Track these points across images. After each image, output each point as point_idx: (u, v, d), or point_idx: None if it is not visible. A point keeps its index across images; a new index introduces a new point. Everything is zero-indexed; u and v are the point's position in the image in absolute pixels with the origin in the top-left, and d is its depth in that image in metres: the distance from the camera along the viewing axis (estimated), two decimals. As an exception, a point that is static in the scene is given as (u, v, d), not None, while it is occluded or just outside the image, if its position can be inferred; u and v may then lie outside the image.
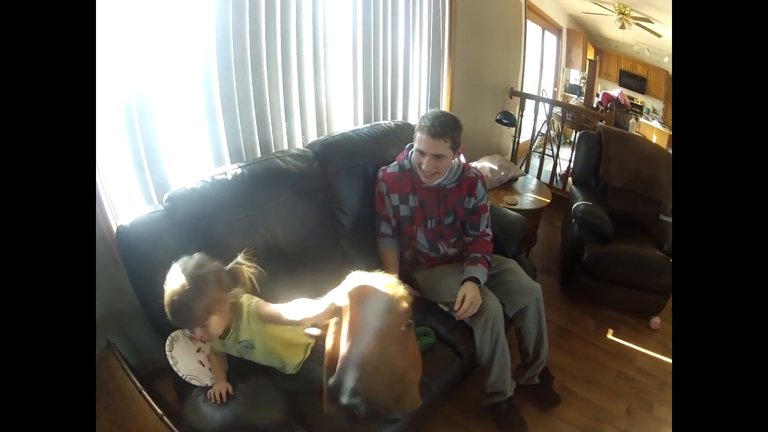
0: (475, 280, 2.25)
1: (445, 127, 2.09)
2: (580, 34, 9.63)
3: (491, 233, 2.49)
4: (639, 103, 10.94)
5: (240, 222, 2.01)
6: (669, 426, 3.07)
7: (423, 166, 2.15)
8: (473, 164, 2.94)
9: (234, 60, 2.22)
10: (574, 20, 9.28)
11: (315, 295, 1.59)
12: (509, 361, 2.30)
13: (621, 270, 3.46)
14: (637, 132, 8.96)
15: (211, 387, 1.70)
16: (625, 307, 3.75)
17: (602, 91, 8.86)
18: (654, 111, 11.10)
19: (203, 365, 1.80)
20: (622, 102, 8.47)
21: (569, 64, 9.85)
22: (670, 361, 3.63)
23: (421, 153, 2.14)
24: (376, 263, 2.33)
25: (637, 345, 3.60)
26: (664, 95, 11.21)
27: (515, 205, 3.44)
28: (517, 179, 3.83)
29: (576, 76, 10.09)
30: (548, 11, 7.82)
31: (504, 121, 3.93)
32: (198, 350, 1.82)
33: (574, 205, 3.50)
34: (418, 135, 2.13)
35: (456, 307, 2.18)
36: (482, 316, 2.17)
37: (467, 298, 2.17)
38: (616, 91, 8.88)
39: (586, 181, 3.94)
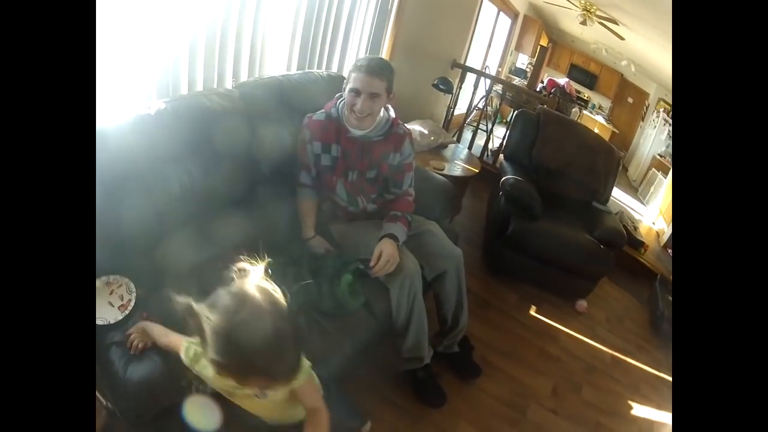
0: (393, 238, 2.31)
1: (382, 67, 2.19)
2: (537, 22, 10.04)
3: (414, 194, 2.60)
4: (585, 98, 11.54)
5: (159, 160, 2.02)
6: (599, 411, 3.44)
7: (357, 106, 2.21)
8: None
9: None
10: (534, 8, 9.72)
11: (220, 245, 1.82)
12: (426, 326, 2.40)
13: (548, 249, 3.82)
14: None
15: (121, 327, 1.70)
16: (550, 287, 4.15)
17: (548, 78, 9.26)
18: (600, 107, 11.71)
19: (112, 306, 1.81)
20: (568, 91, 9.02)
21: (519, 48, 10.28)
22: (597, 345, 4.09)
23: (356, 93, 2.20)
24: (291, 212, 2.50)
25: (561, 325, 3.95)
26: (613, 95, 11.91)
27: (442, 170, 3.70)
28: (446, 146, 4.09)
29: (524, 61, 10.50)
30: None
31: (441, 86, 4.14)
32: (111, 293, 1.83)
33: (504, 179, 3.88)
34: (353, 75, 2.19)
35: (372, 263, 2.22)
36: (399, 276, 2.24)
37: (384, 254, 2.22)
38: (563, 79, 9.47)
39: (518, 158, 4.37)
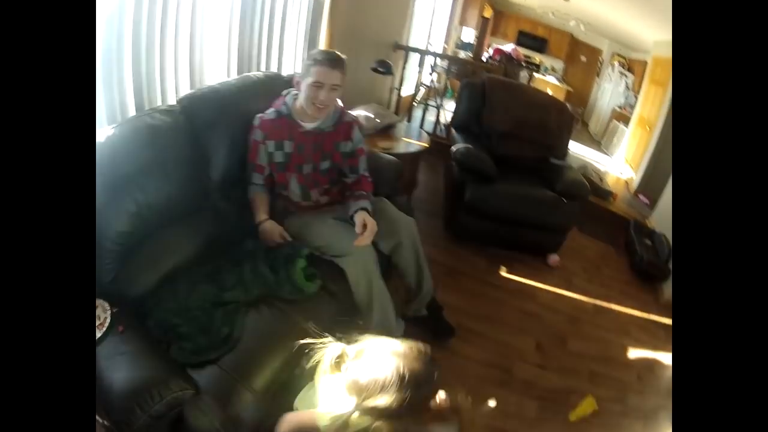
0: (367, 211, 2.46)
1: (340, 59, 2.35)
2: None
3: (369, 175, 2.73)
4: (537, 62, 11.72)
5: (114, 182, 2.05)
6: (590, 360, 3.54)
7: (321, 98, 2.32)
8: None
9: (116, 20, 2.27)
10: None
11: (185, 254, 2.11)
12: (390, 301, 2.48)
13: (509, 209, 3.95)
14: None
15: None
16: (518, 246, 4.28)
17: (494, 46, 9.37)
18: (553, 69, 11.90)
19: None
20: (514, 57, 9.23)
21: (463, 22, 10.36)
22: (576, 296, 4.21)
23: (319, 85, 2.30)
24: (248, 215, 2.56)
25: (536, 281, 4.09)
26: (565, 56, 12.11)
27: (390, 149, 3.74)
28: (394, 126, 4.11)
29: (470, 34, 10.58)
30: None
31: (380, 69, 4.20)
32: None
33: (454, 148, 4.00)
34: (314, 69, 2.29)
35: (359, 231, 2.36)
36: (351, 257, 2.35)
37: (368, 224, 2.37)
38: (508, 46, 9.57)
39: (469, 127, 4.51)
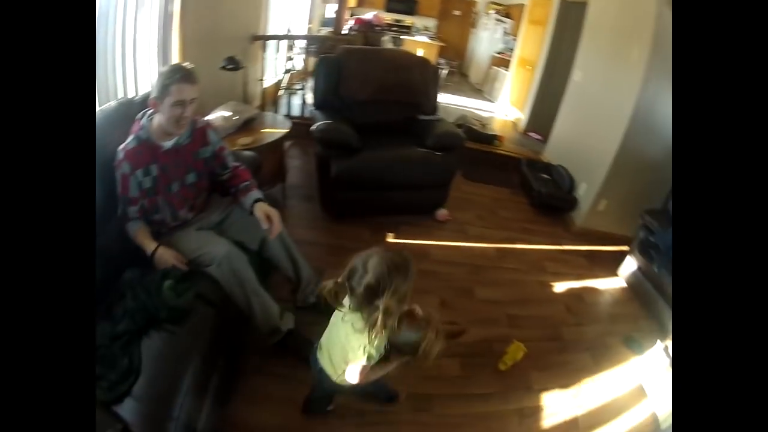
0: (262, 200, 2.60)
1: (192, 71, 2.32)
2: None
3: (240, 164, 2.79)
4: (408, 24, 11.77)
5: None
6: (505, 305, 3.59)
7: (186, 115, 2.33)
8: (207, 117, 3.36)
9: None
10: None
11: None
12: (269, 299, 2.53)
13: (381, 175, 3.95)
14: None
15: None
16: (401, 209, 4.31)
17: (354, 17, 9.36)
18: (426, 28, 11.99)
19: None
20: (375, 23, 9.16)
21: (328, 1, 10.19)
22: (474, 245, 4.25)
23: (181, 104, 2.28)
24: (127, 248, 2.49)
25: (427, 240, 4.11)
26: (437, 13, 12.21)
27: (249, 144, 3.63)
28: (254, 119, 3.98)
29: (333, 10, 10.49)
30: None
31: (228, 66, 4.05)
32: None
33: (313, 127, 3.95)
34: (173, 88, 2.25)
35: (265, 226, 2.51)
36: (216, 265, 2.37)
37: (271, 214, 2.50)
38: (369, 14, 9.48)
39: (329, 103, 4.45)
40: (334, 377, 2.06)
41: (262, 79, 5.56)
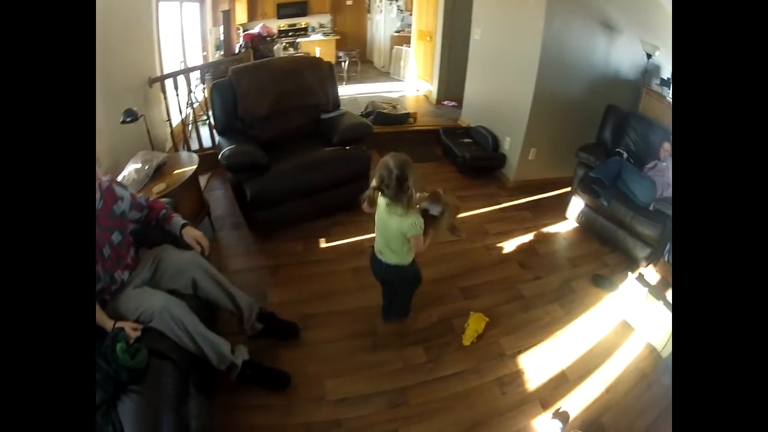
0: (186, 223, 2.69)
1: None
2: None
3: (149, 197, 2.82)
4: (303, 26, 11.64)
5: None
6: (454, 279, 3.54)
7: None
8: (121, 174, 3.47)
9: None
10: None
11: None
12: (217, 336, 2.52)
13: (297, 183, 3.87)
14: (300, 52, 9.47)
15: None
16: (327, 211, 4.24)
17: (243, 34, 9.16)
18: (321, 26, 11.87)
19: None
20: (265, 34, 9.03)
21: (216, 23, 9.90)
22: None
23: None
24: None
25: (362, 235, 3.99)
26: (329, 7, 12.13)
27: (164, 190, 3.47)
28: (164, 164, 3.78)
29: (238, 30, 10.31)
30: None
31: (128, 119, 3.83)
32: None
33: (220, 156, 3.81)
34: None
35: (199, 250, 2.65)
36: (155, 319, 2.36)
37: (197, 237, 2.64)
38: (257, 27, 9.30)
39: (231, 127, 4.31)
40: (404, 261, 2.83)
41: (168, 120, 5.34)
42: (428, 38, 8.03)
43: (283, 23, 11.46)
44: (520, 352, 2.96)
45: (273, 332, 2.98)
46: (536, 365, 2.88)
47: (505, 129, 5.25)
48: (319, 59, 4.82)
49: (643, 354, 3.01)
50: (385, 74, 10.84)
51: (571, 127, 5.06)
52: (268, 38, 9.45)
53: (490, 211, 4.60)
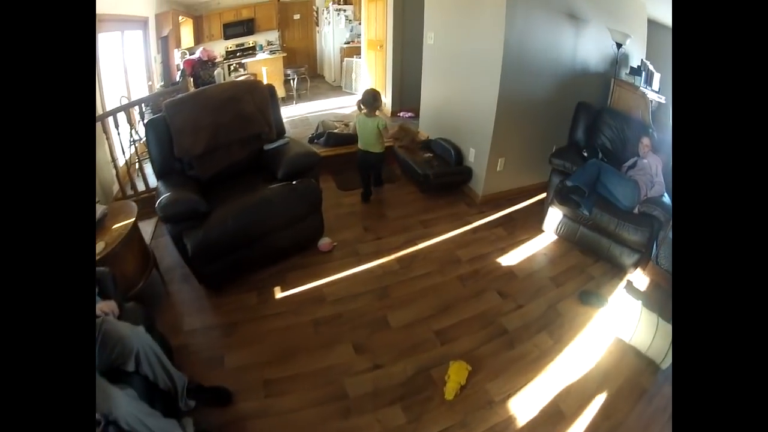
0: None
1: None
2: (168, 13, 9.18)
3: None
4: (251, 45, 11.27)
5: None
6: (428, 322, 3.16)
7: None
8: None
9: None
10: (166, 1, 9.02)
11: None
12: (160, 417, 2.27)
13: (243, 229, 3.37)
14: (247, 73, 8.99)
15: None
16: (279, 256, 3.78)
17: (183, 61, 8.57)
18: (269, 43, 11.51)
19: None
20: (205, 59, 8.46)
21: (161, 49, 9.42)
22: (372, 264, 3.75)
23: None
24: None
25: (318, 280, 3.59)
26: (277, 24, 11.79)
27: (103, 249, 3.07)
28: (104, 217, 3.31)
29: (180, 56, 9.74)
30: (127, 9, 7.25)
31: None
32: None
33: (156, 205, 3.32)
34: None
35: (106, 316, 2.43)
36: (115, 411, 2.09)
37: (102, 308, 2.40)
38: (197, 52, 8.76)
39: (169, 167, 3.81)
40: (381, 149, 4.54)
41: (113, 161, 4.89)
42: (379, 47, 7.73)
43: (231, 44, 11.13)
44: (509, 396, 2.66)
45: (209, 402, 2.71)
46: (529, 407, 2.61)
47: (469, 139, 4.89)
48: (258, 83, 4.40)
49: (641, 369, 2.85)
50: (336, 88, 10.56)
51: (541, 131, 4.75)
52: (210, 63, 8.91)
53: (460, 234, 4.25)
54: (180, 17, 9.64)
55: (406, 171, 5.19)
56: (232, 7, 11.32)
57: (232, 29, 11.39)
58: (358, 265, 3.71)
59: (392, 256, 3.84)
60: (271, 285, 3.57)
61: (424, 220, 4.39)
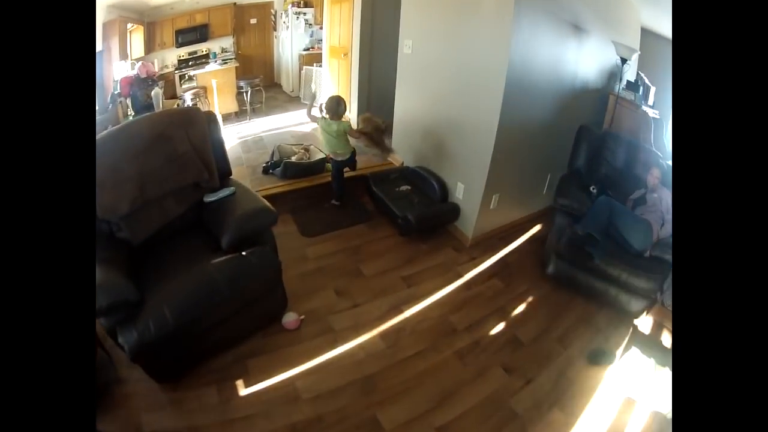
0: None
1: None
2: (115, 21, 8.29)
3: None
4: (204, 53, 10.48)
5: None
6: (424, 419, 2.58)
7: None
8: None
9: None
10: (114, 8, 8.01)
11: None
12: None
13: (186, 316, 2.51)
14: (195, 87, 8.04)
15: None
16: (236, 340, 2.94)
17: (120, 79, 7.27)
18: (223, 50, 10.71)
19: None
20: (144, 75, 7.24)
21: (108, 62, 8.51)
22: (348, 346, 3.03)
23: None
24: None
25: (286, 370, 2.80)
26: (232, 29, 11.01)
27: None
28: None
29: (126, 69, 8.70)
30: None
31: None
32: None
33: None
34: None
35: None
36: None
37: None
38: (135, 68, 7.51)
39: (97, 230, 2.89)
40: (345, 155, 4.42)
41: None
42: (343, 55, 6.86)
43: (183, 52, 10.24)
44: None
45: None
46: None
47: (458, 172, 4.17)
48: (193, 112, 3.39)
49: (649, 425, 2.61)
50: (294, 99, 9.74)
51: (537, 157, 4.14)
52: (150, 80, 7.66)
53: (451, 292, 3.56)
54: (130, 24, 8.71)
55: (380, 208, 4.47)
56: (184, 11, 10.55)
57: (185, 36, 10.60)
58: (334, 346, 2.96)
59: (374, 332, 3.12)
60: (231, 377, 2.76)
61: (408, 275, 3.69)
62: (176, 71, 9.34)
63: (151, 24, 10.20)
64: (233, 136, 6.62)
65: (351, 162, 4.54)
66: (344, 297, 3.44)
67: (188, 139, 3.12)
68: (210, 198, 3.16)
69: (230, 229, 2.87)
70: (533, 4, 3.30)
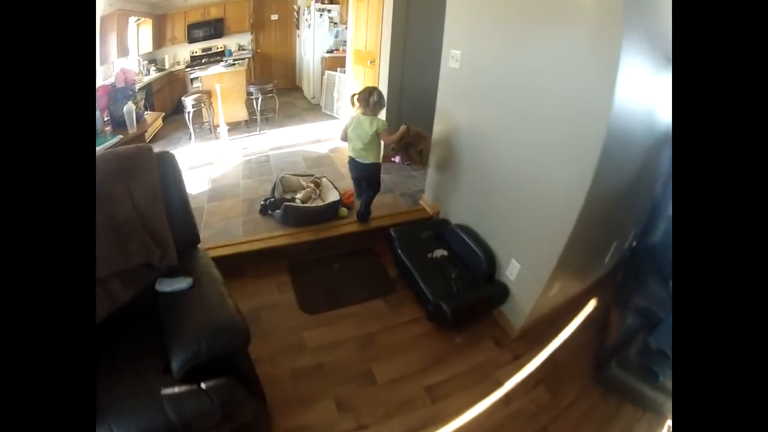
0: None
1: None
2: (114, 14, 7.54)
3: None
4: (219, 49, 9.93)
5: None
6: None
7: None
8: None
9: None
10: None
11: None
12: None
13: None
14: (199, 91, 7.21)
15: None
16: None
17: (99, 87, 6.15)
18: (240, 48, 10.06)
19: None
20: (121, 84, 5.95)
21: (105, 60, 7.71)
22: None
23: None
24: None
25: None
26: (250, 25, 10.38)
27: None
28: None
29: (125, 64, 7.87)
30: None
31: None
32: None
33: None
34: None
35: None
36: None
37: None
38: (118, 72, 6.37)
39: None
40: (374, 158, 3.67)
41: None
42: (369, 62, 5.86)
43: (197, 48, 9.63)
44: None
45: None
46: None
47: (513, 246, 3.08)
48: (141, 154, 2.28)
49: None
50: (315, 108, 8.79)
51: (611, 224, 3.16)
52: (128, 90, 6.26)
53: (487, 410, 2.60)
54: (137, 18, 8.07)
55: (406, 277, 3.44)
56: (198, 5, 9.91)
57: (198, 31, 9.96)
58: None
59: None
60: None
61: (433, 385, 2.70)
62: (187, 69, 8.74)
63: (161, 17, 9.53)
64: (237, 152, 5.82)
65: (373, 173, 3.73)
66: (348, 413, 2.50)
67: (131, 200, 2.16)
68: (163, 287, 2.21)
69: (179, 349, 1.88)
70: (641, 21, 2.19)
